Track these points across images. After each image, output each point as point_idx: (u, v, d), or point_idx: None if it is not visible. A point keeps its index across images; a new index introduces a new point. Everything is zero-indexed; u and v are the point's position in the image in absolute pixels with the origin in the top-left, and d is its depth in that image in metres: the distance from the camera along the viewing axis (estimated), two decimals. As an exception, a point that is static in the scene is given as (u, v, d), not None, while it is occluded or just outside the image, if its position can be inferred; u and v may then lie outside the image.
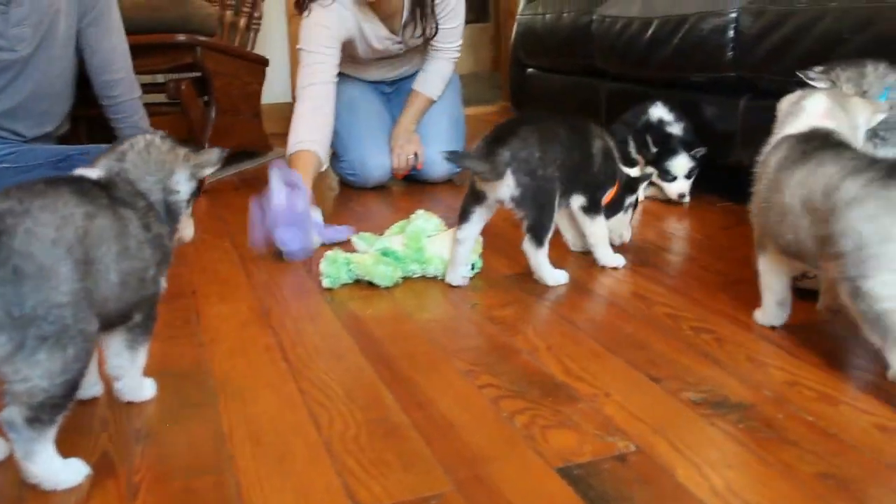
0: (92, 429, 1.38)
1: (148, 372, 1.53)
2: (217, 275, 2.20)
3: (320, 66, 2.77)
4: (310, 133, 2.68)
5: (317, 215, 2.43)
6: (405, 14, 2.93)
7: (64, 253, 1.16)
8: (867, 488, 1.14)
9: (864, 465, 1.19)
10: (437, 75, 3.15)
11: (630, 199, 2.20)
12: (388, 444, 1.29)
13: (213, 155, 1.49)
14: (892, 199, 1.31)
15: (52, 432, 1.18)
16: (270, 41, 4.73)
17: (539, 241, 1.97)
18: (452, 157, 1.96)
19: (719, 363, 1.54)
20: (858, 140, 1.58)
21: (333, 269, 2.03)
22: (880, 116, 1.62)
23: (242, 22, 4.09)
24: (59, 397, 1.16)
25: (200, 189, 1.51)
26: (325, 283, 2.03)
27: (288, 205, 2.23)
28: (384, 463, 1.24)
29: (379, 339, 1.71)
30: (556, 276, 2.00)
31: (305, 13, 2.80)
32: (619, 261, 2.12)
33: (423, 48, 3.11)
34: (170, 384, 1.54)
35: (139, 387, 1.48)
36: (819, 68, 1.80)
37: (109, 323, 1.31)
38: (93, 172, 1.36)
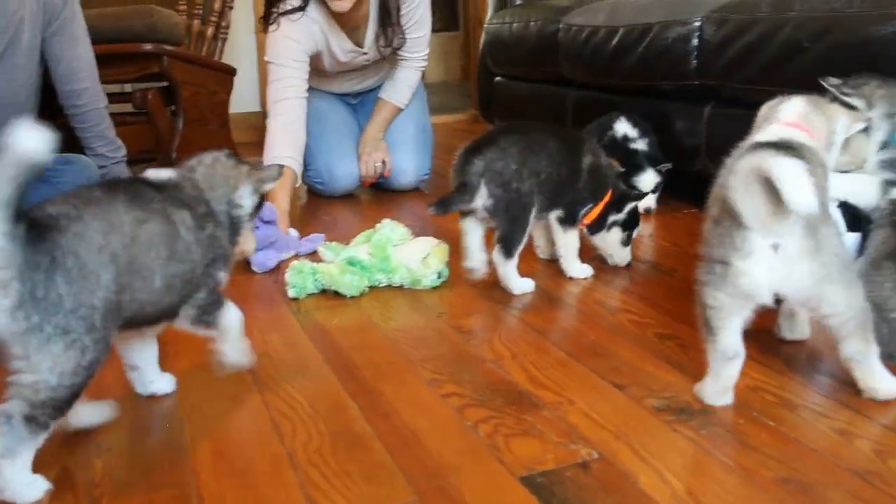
0: (52, 442, 1.36)
1: (109, 388, 1.54)
2: (183, 286, 2.18)
3: (291, 81, 2.77)
4: (286, 149, 2.69)
5: (292, 231, 2.45)
6: (372, 26, 2.93)
7: (108, 261, 1.21)
8: (827, 492, 1.15)
9: (824, 468, 1.21)
10: (404, 84, 3.16)
11: (614, 217, 2.13)
12: (351, 455, 1.29)
13: (273, 171, 1.54)
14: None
15: (41, 438, 1.19)
16: (238, 50, 4.72)
17: (508, 253, 1.97)
18: (440, 208, 1.95)
19: (683, 369, 1.55)
20: (835, 147, 1.58)
21: (299, 279, 2.02)
22: (858, 126, 1.61)
23: (210, 31, 4.07)
24: (62, 400, 1.18)
25: (262, 204, 1.57)
26: (291, 293, 2.02)
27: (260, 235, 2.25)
28: (347, 474, 1.23)
29: (344, 349, 1.71)
30: (521, 285, 2.01)
31: (273, 26, 2.80)
32: (586, 272, 2.12)
33: (389, 60, 3.11)
34: (131, 397, 1.53)
35: (242, 351, 1.52)
36: (851, 83, 1.73)
37: (148, 322, 1.36)
38: (160, 173, 1.43)
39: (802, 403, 1.41)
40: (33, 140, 1.08)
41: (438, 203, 1.95)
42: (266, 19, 2.84)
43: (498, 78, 4.06)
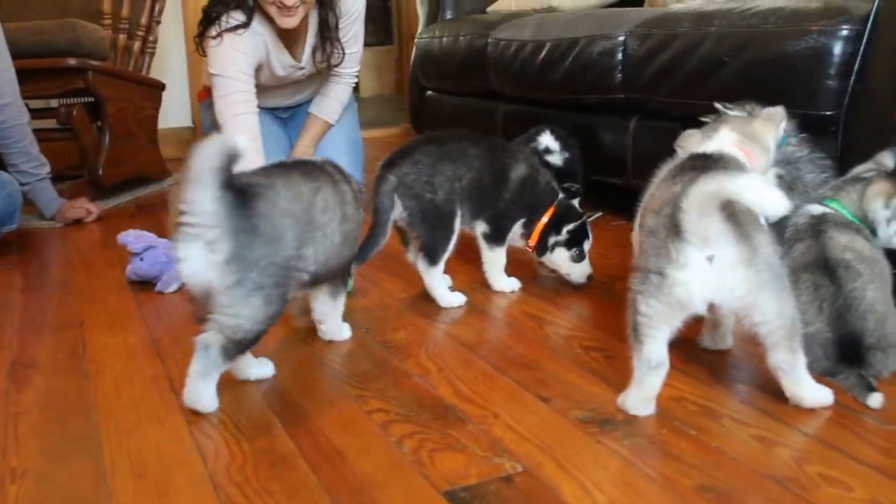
0: (-35, 469, 1.33)
1: (29, 407, 1.51)
2: (107, 304, 2.14)
3: (243, 95, 2.73)
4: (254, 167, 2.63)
5: None
6: (311, 40, 2.92)
7: (291, 223, 1.48)
8: (745, 499, 1.17)
9: (743, 476, 1.23)
10: (334, 99, 3.14)
11: (555, 239, 2.09)
12: (274, 474, 1.27)
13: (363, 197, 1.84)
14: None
15: (228, 365, 1.48)
16: (168, 65, 4.65)
17: (432, 261, 1.98)
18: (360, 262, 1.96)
19: (608, 381, 1.57)
20: (770, 159, 1.62)
21: None
22: (783, 126, 1.65)
23: (137, 46, 4.01)
24: (250, 340, 1.47)
25: None
26: None
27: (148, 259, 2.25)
28: (269, 494, 1.22)
29: (270, 367, 1.69)
30: (448, 299, 2.01)
31: (217, 40, 2.75)
32: (512, 285, 2.13)
33: (322, 75, 3.10)
34: (51, 419, 1.49)
35: (339, 329, 1.82)
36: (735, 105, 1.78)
37: (325, 279, 1.66)
38: (314, 158, 1.73)
39: (724, 412, 1.43)
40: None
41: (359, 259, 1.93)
42: (202, 37, 2.79)
43: (429, 92, 4.07)
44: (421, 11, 4.25)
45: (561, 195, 2.27)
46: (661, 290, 1.34)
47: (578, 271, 2.11)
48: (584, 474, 1.24)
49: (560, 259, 2.11)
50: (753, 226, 1.34)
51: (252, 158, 2.58)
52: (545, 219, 2.10)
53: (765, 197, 1.23)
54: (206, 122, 3.22)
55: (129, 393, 1.59)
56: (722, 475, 1.23)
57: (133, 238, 2.24)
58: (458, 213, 2.00)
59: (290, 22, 2.69)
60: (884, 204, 1.62)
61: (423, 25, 4.19)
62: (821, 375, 1.47)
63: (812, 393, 1.42)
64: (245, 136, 2.63)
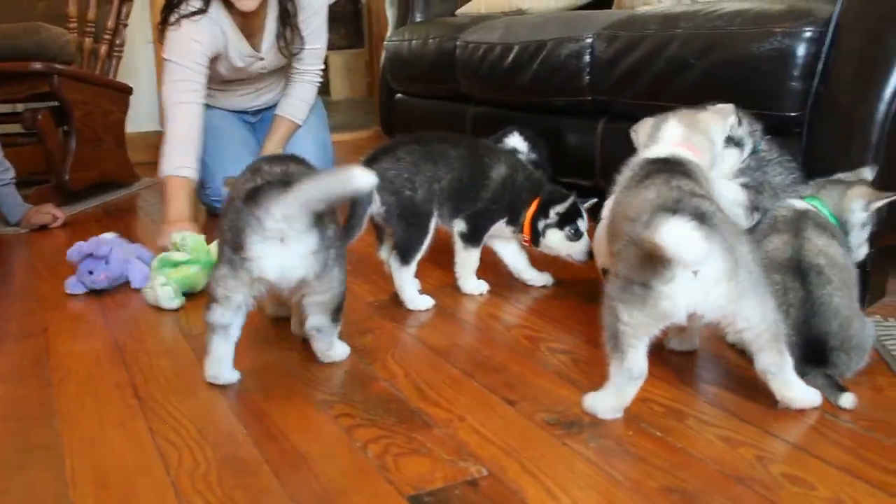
0: (-78, 480, 1.31)
1: None
2: (71, 311, 2.12)
3: (191, 84, 2.74)
4: (185, 158, 2.67)
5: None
6: (270, 27, 2.92)
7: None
8: (709, 499, 1.17)
9: (708, 476, 1.23)
10: (299, 99, 3.13)
11: (544, 222, 2.07)
12: (237, 481, 1.26)
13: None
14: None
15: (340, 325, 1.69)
16: (135, 69, 4.62)
17: (404, 259, 1.97)
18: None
19: (575, 383, 1.57)
20: (717, 151, 1.64)
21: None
22: (731, 120, 1.67)
23: (103, 49, 3.98)
24: (343, 299, 1.64)
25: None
26: (175, 304, 2.09)
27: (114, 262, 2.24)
28: (232, 500, 1.21)
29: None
30: (416, 302, 2.00)
31: (174, 27, 2.75)
32: (480, 288, 2.13)
33: (285, 71, 3.09)
34: (12, 428, 1.47)
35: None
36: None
37: None
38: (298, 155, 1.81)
39: (690, 413, 1.43)
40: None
41: None
42: (164, 24, 2.79)
43: (398, 95, 4.06)
44: (390, 14, 4.24)
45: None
46: (645, 302, 1.33)
47: (578, 248, 2.09)
48: (550, 477, 1.24)
49: (555, 242, 2.08)
50: (735, 237, 1.35)
51: (183, 152, 2.64)
52: (532, 209, 2.08)
53: (681, 247, 1.22)
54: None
55: (91, 400, 1.58)
56: (687, 476, 1.23)
57: (94, 244, 2.21)
58: (435, 214, 2.00)
59: (248, 4, 2.70)
60: (863, 206, 1.64)
61: (393, 28, 4.17)
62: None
63: (801, 394, 1.42)
64: (184, 124, 2.67)
